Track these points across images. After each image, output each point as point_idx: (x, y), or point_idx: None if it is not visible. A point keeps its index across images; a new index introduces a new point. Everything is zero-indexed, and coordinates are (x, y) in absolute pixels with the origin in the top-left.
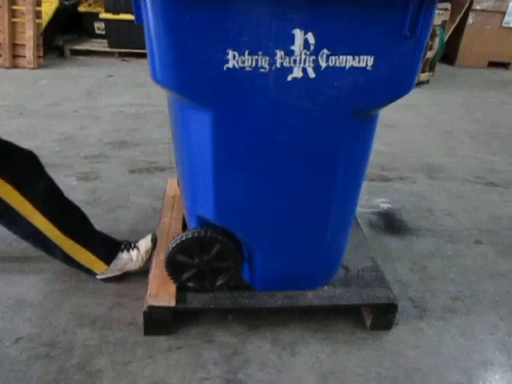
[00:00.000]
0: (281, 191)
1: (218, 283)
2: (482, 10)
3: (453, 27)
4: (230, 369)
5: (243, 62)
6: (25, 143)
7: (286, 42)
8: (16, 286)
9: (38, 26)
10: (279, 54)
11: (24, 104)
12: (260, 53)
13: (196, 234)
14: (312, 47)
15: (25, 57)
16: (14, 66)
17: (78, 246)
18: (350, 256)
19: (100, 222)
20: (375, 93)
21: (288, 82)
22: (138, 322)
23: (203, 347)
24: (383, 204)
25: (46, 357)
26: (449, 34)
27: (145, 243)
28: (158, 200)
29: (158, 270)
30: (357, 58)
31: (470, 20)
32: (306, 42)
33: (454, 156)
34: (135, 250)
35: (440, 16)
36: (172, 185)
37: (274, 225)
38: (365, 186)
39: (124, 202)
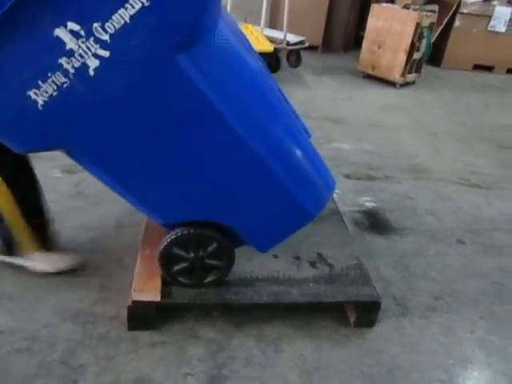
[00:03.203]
0: (197, 167)
1: (208, 280)
2: (469, 14)
3: (440, 29)
4: (214, 365)
5: (47, 92)
6: None
7: (60, 47)
8: None
9: None
10: (64, 61)
11: None
12: (49, 74)
13: (192, 231)
14: (82, 32)
15: None
16: None
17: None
18: (334, 253)
19: (84, 215)
20: (176, 16)
21: (94, 75)
22: (121, 316)
23: (188, 343)
24: (368, 203)
25: (27, 351)
26: (435, 36)
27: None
28: None
29: (143, 265)
30: (128, 5)
31: (457, 23)
32: (72, 32)
33: (439, 157)
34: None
35: (427, 18)
36: None
37: (229, 194)
38: (350, 184)
39: (109, 196)
